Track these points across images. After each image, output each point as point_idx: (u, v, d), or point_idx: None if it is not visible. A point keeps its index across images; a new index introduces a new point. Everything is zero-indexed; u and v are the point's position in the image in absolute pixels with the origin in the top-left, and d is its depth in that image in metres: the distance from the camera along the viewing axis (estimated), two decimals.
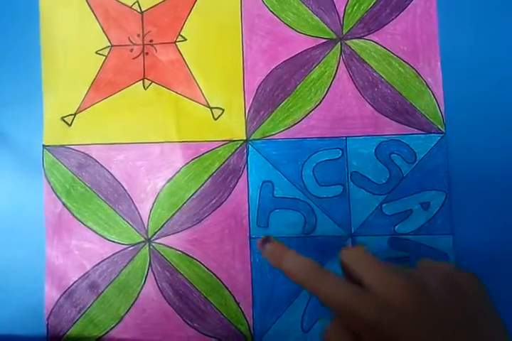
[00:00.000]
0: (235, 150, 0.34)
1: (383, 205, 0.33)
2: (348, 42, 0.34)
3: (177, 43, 0.35)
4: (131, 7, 0.35)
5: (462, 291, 0.23)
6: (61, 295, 0.34)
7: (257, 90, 0.34)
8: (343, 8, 0.34)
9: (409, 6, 0.34)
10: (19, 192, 0.35)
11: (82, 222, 0.35)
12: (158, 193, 0.34)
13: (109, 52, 0.35)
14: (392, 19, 0.34)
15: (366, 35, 0.34)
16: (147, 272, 0.34)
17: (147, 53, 0.35)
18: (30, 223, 0.35)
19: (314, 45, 0.34)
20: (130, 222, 0.34)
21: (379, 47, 0.34)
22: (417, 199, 0.33)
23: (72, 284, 0.34)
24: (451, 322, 0.22)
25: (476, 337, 0.22)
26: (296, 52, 0.34)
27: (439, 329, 0.21)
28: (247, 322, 0.33)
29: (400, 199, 0.33)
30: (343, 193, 0.34)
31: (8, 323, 0.35)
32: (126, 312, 0.34)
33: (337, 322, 0.24)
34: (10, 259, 0.35)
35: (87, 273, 0.34)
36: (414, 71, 0.34)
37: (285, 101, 0.34)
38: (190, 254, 0.34)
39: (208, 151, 0.34)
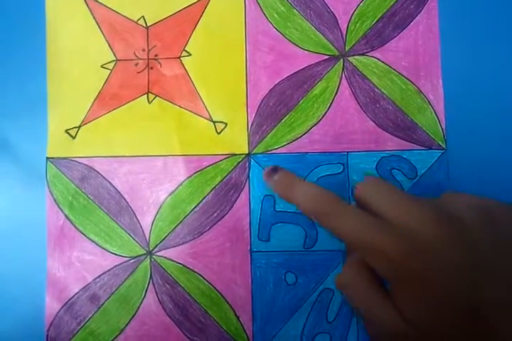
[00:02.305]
0: (237, 164, 0.35)
1: None
2: (350, 58, 0.35)
3: (182, 58, 0.35)
4: (136, 22, 0.36)
5: (496, 222, 0.20)
6: (61, 307, 0.34)
7: (259, 105, 0.35)
8: (346, 25, 0.35)
9: (411, 24, 0.35)
10: (22, 203, 0.35)
11: (84, 234, 0.35)
12: (160, 206, 0.35)
13: (114, 66, 0.36)
14: (395, 36, 0.35)
15: (368, 51, 0.35)
16: (148, 285, 0.34)
17: (152, 68, 0.35)
18: (31, 234, 0.35)
19: (317, 61, 0.35)
20: (132, 235, 0.35)
21: (381, 63, 0.35)
22: None
23: (73, 296, 0.34)
24: (487, 253, 0.19)
25: None
26: (299, 68, 0.35)
27: (474, 263, 0.19)
28: (247, 335, 0.33)
29: None
30: None
31: (7, 334, 0.34)
32: (127, 325, 0.34)
33: (354, 261, 0.22)
34: (11, 270, 0.35)
35: (88, 285, 0.34)
36: (415, 88, 0.34)
37: (288, 116, 0.35)
38: (191, 267, 0.34)
39: (210, 165, 0.35)
